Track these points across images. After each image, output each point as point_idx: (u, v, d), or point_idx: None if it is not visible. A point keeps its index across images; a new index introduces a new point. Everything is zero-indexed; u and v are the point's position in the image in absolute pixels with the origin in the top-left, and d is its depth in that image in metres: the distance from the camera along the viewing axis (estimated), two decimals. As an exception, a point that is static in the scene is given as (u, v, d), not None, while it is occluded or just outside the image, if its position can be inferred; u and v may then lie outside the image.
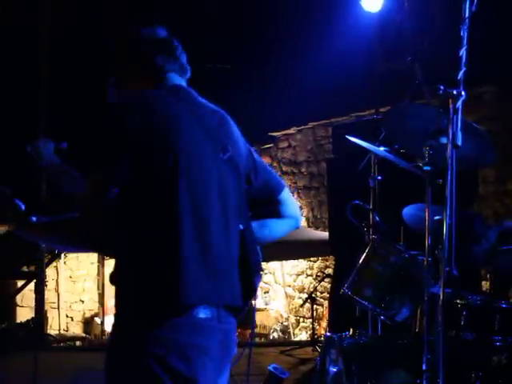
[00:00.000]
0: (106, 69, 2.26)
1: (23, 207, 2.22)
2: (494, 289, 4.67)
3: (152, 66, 2.18)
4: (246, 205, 2.16)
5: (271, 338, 8.75)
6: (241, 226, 2.11)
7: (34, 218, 2.16)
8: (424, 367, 2.70)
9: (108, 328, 5.72)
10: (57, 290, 9.06)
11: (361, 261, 3.60)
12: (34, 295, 7.49)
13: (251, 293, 2.14)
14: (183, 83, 2.21)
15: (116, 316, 2.02)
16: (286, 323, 9.00)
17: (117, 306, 2.02)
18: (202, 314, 1.97)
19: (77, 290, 9.23)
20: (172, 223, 1.95)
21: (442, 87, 2.50)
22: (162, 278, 1.95)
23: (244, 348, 2.31)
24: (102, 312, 9.42)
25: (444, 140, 2.59)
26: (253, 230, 2.16)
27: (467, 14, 2.46)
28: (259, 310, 8.53)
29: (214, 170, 2.06)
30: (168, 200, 1.96)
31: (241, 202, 2.14)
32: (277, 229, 2.30)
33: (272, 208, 2.27)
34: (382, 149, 3.86)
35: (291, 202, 2.32)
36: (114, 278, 2.03)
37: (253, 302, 2.20)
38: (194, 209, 1.98)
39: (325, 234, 6.44)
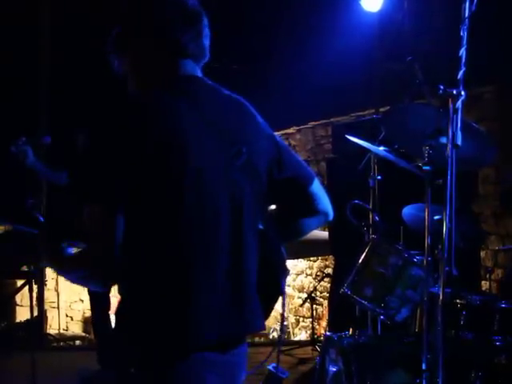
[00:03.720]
0: (113, 45, 1.95)
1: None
2: (502, 288, 4.66)
3: (171, 45, 1.89)
4: (266, 205, 1.98)
5: (271, 337, 8.74)
6: (260, 227, 1.93)
7: (69, 249, 1.92)
8: (423, 367, 2.70)
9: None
10: (56, 290, 9.04)
11: (360, 260, 3.60)
12: (33, 295, 7.48)
13: (277, 294, 2.00)
14: (197, 72, 1.94)
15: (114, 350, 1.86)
16: (285, 323, 9.01)
17: (116, 340, 1.84)
18: (210, 355, 1.79)
19: (76, 290, 9.20)
20: (179, 254, 1.75)
21: (441, 87, 2.50)
22: (168, 316, 1.75)
23: (274, 347, 2.17)
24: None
25: (444, 140, 2.59)
26: (276, 229, 1.98)
27: (467, 14, 2.46)
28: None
29: (226, 182, 1.83)
30: (172, 227, 1.75)
31: (259, 204, 1.93)
32: (305, 227, 2.13)
33: (301, 203, 2.06)
34: (381, 148, 3.87)
35: (321, 195, 2.08)
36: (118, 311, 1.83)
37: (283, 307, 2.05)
38: (202, 233, 1.78)
39: (324, 234, 6.43)
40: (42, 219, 2.01)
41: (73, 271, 1.86)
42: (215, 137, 1.83)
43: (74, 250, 1.90)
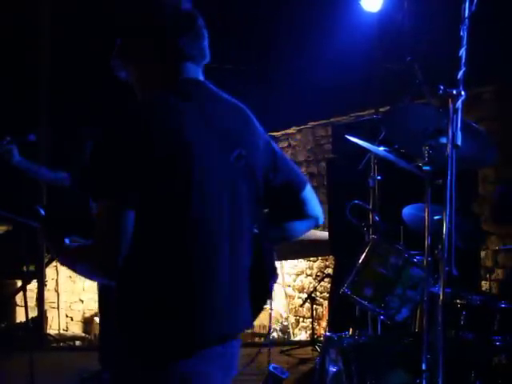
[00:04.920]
0: (114, 51, 2.00)
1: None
2: (502, 288, 4.67)
3: (171, 50, 1.93)
4: (261, 209, 2.04)
5: (271, 337, 8.75)
6: (255, 231, 1.99)
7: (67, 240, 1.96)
8: (423, 367, 2.70)
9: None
10: (56, 290, 9.05)
11: (360, 261, 3.60)
12: (33, 295, 7.48)
13: (266, 297, 2.05)
14: (199, 75, 1.98)
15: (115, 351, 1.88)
16: (285, 323, 9.01)
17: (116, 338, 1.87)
18: (212, 351, 1.87)
19: (76, 290, 9.22)
20: (182, 254, 1.80)
21: (441, 87, 2.50)
22: (175, 314, 1.80)
23: (260, 348, 2.22)
24: (102, 312, 9.39)
25: (444, 140, 2.59)
26: (268, 233, 2.04)
27: (467, 14, 2.46)
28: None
29: (227, 183, 1.89)
30: (180, 225, 1.80)
31: (256, 207, 1.99)
32: (295, 230, 2.19)
33: (293, 208, 2.13)
34: (381, 149, 3.87)
35: (313, 200, 2.16)
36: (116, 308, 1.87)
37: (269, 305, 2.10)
38: (204, 233, 1.83)
39: (324, 234, 6.42)
40: (43, 213, 2.03)
41: (77, 264, 1.92)
42: (216, 138, 1.89)
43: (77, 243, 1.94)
